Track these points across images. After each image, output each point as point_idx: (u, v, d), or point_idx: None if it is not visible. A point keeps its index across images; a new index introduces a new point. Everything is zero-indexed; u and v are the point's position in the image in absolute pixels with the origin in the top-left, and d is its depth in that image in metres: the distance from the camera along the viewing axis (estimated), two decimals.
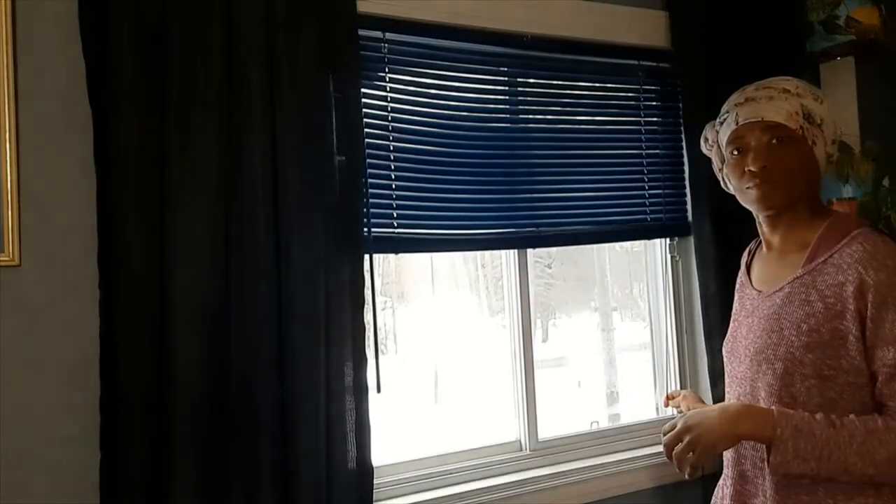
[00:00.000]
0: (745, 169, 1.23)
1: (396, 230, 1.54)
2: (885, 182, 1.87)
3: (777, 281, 1.24)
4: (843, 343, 1.11)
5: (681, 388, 1.94)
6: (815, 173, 1.24)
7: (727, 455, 1.30)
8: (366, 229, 1.43)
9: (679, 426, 1.18)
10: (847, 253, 1.13)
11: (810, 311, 1.15)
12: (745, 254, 1.41)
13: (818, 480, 1.10)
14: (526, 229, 1.70)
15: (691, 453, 1.15)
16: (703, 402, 1.67)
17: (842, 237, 1.15)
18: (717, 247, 1.78)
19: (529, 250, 1.77)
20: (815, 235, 1.20)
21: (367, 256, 1.45)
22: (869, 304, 1.09)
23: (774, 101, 1.22)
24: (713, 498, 1.36)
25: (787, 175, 1.21)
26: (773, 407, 1.15)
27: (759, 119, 1.22)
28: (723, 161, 1.32)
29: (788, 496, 1.15)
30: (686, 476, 1.16)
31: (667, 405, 1.75)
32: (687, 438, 1.15)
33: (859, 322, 1.10)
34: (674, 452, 1.17)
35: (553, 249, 1.77)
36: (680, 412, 1.64)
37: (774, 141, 1.21)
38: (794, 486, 1.14)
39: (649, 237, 1.91)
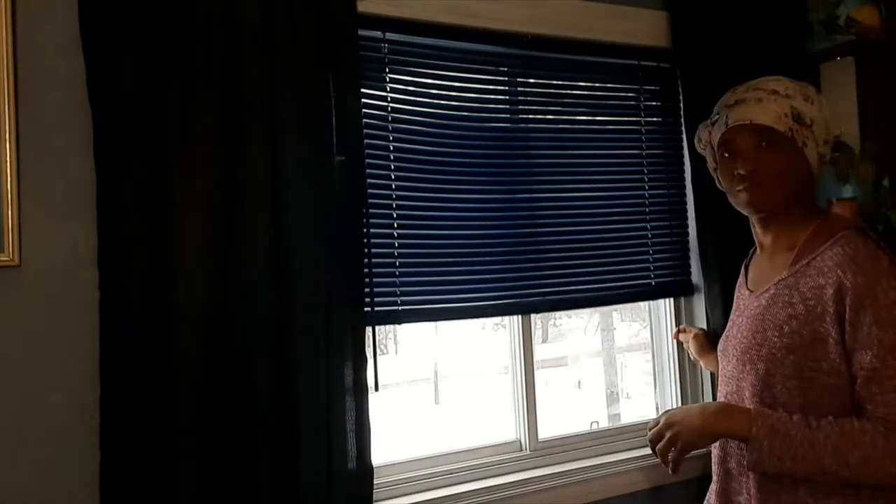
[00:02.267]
0: (735, 172, 1.23)
1: (399, 293, 1.54)
2: (885, 182, 1.88)
3: (765, 282, 1.25)
4: (824, 345, 1.12)
5: (680, 391, 1.94)
6: (807, 174, 1.23)
7: (714, 453, 1.32)
8: (368, 301, 1.43)
9: (661, 423, 1.21)
10: (828, 256, 1.13)
11: (792, 312, 1.16)
12: (749, 255, 1.42)
13: (798, 479, 1.11)
14: (530, 294, 1.70)
15: (673, 449, 1.17)
16: (709, 350, 1.72)
17: (827, 239, 1.15)
18: (718, 247, 1.78)
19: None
20: (804, 237, 1.20)
21: (366, 260, 1.46)
22: (847, 308, 1.09)
23: (763, 102, 1.22)
24: (706, 495, 1.37)
25: (777, 178, 1.21)
26: (752, 406, 1.17)
27: (748, 122, 1.22)
28: (716, 161, 1.32)
29: (770, 494, 1.17)
30: (669, 472, 1.19)
31: (676, 337, 1.85)
32: (668, 435, 1.18)
33: (839, 325, 1.10)
34: (657, 448, 1.20)
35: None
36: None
37: (764, 144, 1.21)
38: (775, 485, 1.16)
39: (654, 298, 1.91)
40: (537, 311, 1.76)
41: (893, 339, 1.05)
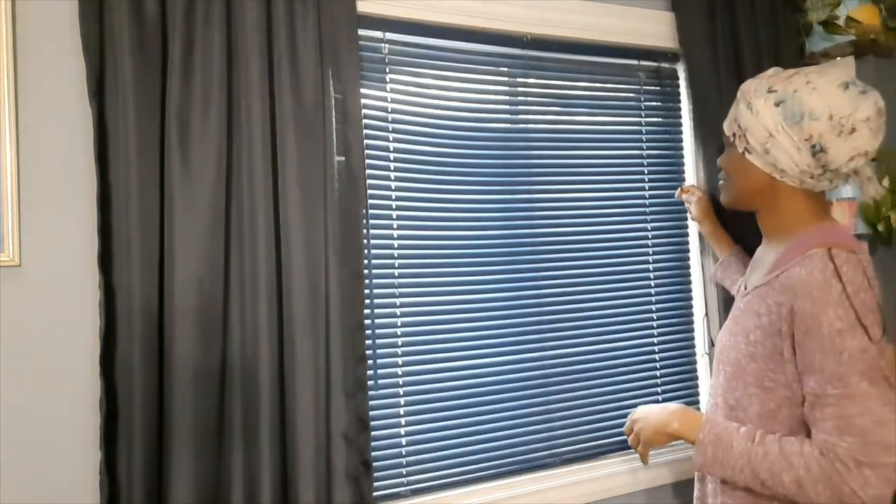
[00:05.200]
0: None
1: (398, 305, 1.54)
2: (885, 182, 1.87)
3: (754, 282, 1.27)
4: (780, 359, 1.13)
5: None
6: (760, 181, 1.22)
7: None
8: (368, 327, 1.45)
9: (632, 417, 1.36)
10: (789, 274, 1.13)
11: (758, 323, 1.17)
12: None
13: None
14: (536, 295, 1.71)
15: (639, 443, 1.31)
16: (710, 218, 1.74)
17: (799, 254, 1.14)
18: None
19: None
20: (785, 247, 1.21)
21: (365, 261, 1.46)
22: (795, 331, 1.10)
23: (735, 102, 1.27)
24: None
25: (729, 180, 1.29)
26: (706, 412, 1.26)
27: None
28: None
29: (734, 495, 1.22)
30: (641, 461, 1.34)
31: (679, 195, 1.82)
32: (635, 429, 1.33)
33: (791, 343, 1.11)
34: (629, 441, 1.35)
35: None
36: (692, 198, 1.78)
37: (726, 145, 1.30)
38: (731, 486, 1.22)
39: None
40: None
41: (834, 369, 1.05)
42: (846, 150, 1.13)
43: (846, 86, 1.13)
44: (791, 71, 1.21)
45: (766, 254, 1.28)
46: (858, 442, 1.03)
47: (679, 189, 1.81)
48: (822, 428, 1.07)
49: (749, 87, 1.23)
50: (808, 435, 1.13)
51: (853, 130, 1.11)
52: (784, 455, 1.09)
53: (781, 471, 1.08)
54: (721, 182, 1.33)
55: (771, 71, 1.25)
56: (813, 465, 1.06)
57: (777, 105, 1.16)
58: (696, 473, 1.39)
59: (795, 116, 1.14)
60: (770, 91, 1.18)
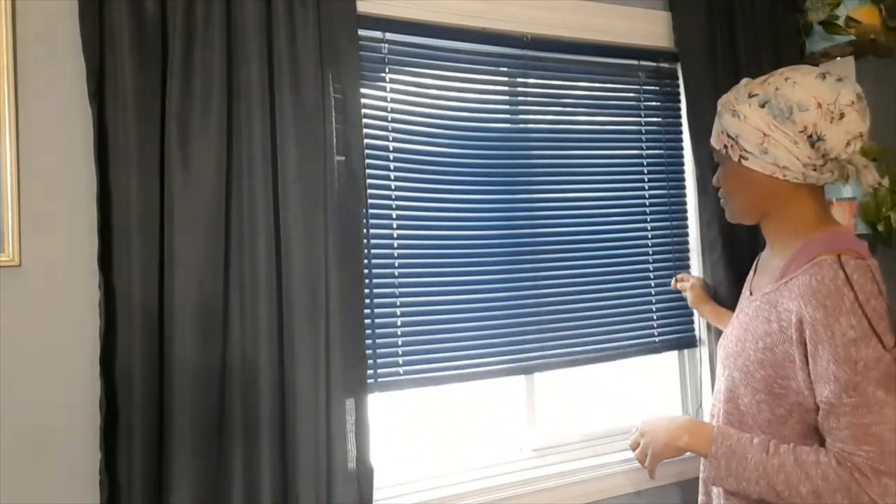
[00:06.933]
0: None
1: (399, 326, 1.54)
2: (885, 182, 1.87)
3: (760, 288, 1.27)
4: (793, 366, 1.12)
5: (679, 382, 1.94)
6: (762, 186, 1.21)
7: (701, 462, 1.37)
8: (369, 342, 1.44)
9: (639, 429, 1.33)
10: (799, 282, 1.12)
11: (768, 329, 1.16)
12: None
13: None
14: (530, 296, 1.71)
15: (647, 457, 1.29)
16: (707, 301, 1.76)
17: (808, 260, 1.13)
18: (723, 247, 1.78)
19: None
20: (792, 252, 1.20)
21: (365, 261, 1.47)
22: (807, 340, 1.09)
23: (717, 119, 1.26)
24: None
25: (728, 195, 1.28)
26: (717, 424, 1.23)
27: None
28: None
29: (739, 501, 1.20)
30: (649, 475, 1.31)
31: (675, 286, 1.85)
32: (642, 443, 1.30)
33: (802, 351, 1.10)
34: (635, 454, 1.33)
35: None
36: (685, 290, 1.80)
37: (717, 161, 1.30)
38: (738, 496, 1.20)
39: (658, 351, 1.86)
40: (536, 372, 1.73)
41: (849, 379, 1.04)
42: (841, 134, 1.14)
43: (823, 76, 1.16)
44: (762, 77, 1.22)
45: (771, 258, 1.27)
46: (876, 451, 1.02)
47: (673, 279, 1.85)
48: (837, 437, 1.06)
49: (727, 98, 1.24)
50: (819, 441, 1.12)
51: (842, 115, 1.13)
52: (800, 465, 1.07)
53: (798, 482, 1.06)
54: (721, 201, 1.32)
55: (743, 81, 1.26)
56: (831, 475, 1.04)
57: (762, 106, 1.18)
58: (700, 476, 1.37)
59: (784, 112, 1.15)
60: (751, 95, 1.20)
